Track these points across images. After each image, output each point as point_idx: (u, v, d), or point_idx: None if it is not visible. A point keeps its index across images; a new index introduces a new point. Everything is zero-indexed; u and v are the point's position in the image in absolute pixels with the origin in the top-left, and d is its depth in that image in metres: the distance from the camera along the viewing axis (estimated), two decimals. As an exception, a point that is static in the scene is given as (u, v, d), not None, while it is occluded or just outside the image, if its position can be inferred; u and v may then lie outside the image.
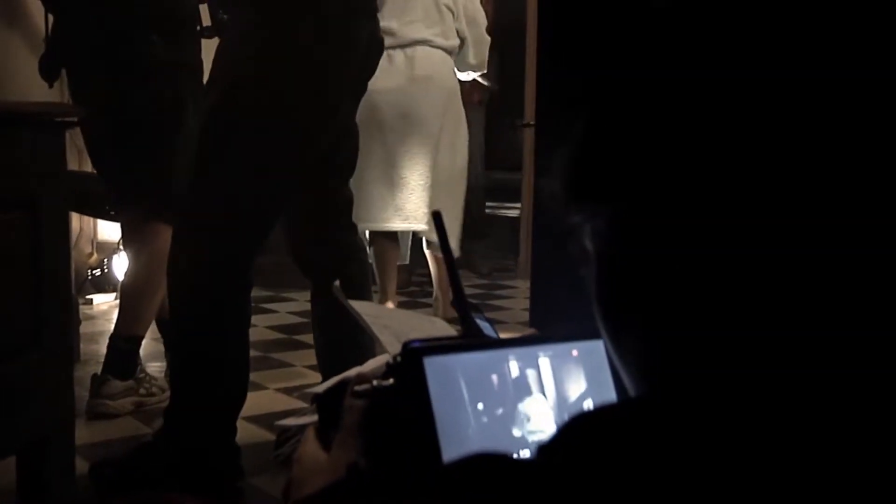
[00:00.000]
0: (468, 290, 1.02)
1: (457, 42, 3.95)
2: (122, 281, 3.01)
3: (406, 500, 0.49)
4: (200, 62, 2.79)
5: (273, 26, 2.04)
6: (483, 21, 4.10)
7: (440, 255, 3.52)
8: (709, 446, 0.45)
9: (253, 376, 2.30)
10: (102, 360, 2.79)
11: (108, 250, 4.50)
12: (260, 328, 3.85)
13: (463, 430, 0.66)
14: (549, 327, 0.81)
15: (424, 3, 3.80)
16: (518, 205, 5.65)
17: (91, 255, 4.58)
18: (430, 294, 4.39)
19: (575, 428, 0.49)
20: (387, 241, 3.97)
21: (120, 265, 4.14)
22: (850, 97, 0.46)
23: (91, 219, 4.38)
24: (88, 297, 4.36)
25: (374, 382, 0.72)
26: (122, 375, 2.73)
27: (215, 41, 2.30)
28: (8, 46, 3.50)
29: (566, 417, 0.49)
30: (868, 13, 0.47)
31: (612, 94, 0.53)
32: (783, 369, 0.47)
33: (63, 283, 1.97)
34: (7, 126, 1.77)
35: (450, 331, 1.09)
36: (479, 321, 0.80)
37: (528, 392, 0.71)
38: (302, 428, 0.93)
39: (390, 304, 3.93)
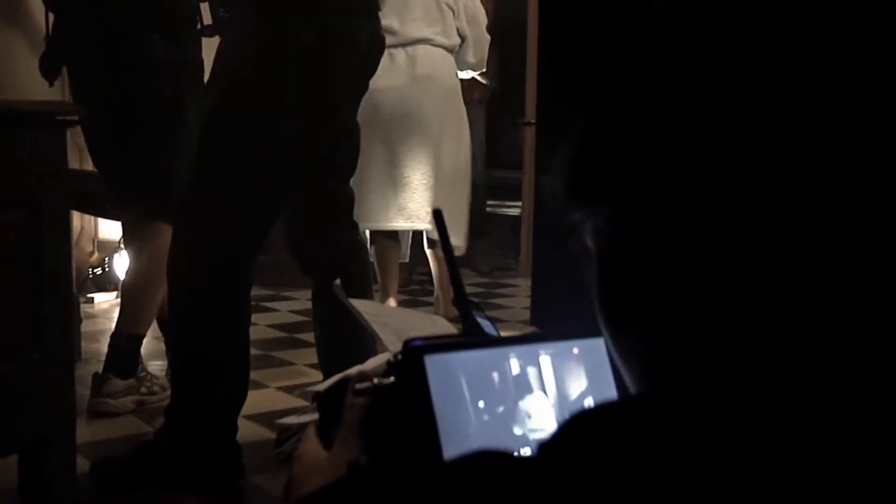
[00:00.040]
0: (469, 289, 1.02)
1: (457, 41, 3.95)
2: (124, 280, 3.01)
3: (407, 498, 0.50)
4: (201, 61, 2.79)
5: (273, 26, 2.05)
6: (483, 20, 4.10)
7: (441, 253, 3.52)
8: (709, 445, 0.45)
9: (254, 375, 2.30)
10: (103, 358, 2.79)
11: (109, 249, 4.50)
12: (261, 327, 3.85)
13: (464, 428, 0.66)
14: (549, 325, 0.81)
15: (425, 1, 3.80)
16: (519, 203, 5.65)
17: (92, 253, 4.58)
18: (431, 293, 4.39)
19: (576, 426, 0.49)
20: (388, 240, 3.98)
21: (121, 264, 4.14)
22: (850, 97, 0.46)
23: (92, 217, 4.38)
24: (90, 295, 4.36)
25: (375, 381, 0.72)
26: (124, 374, 2.74)
27: (216, 40, 2.30)
28: (8, 45, 3.50)
29: (567, 415, 0.49)
30: (868, 13, 0.47)
31: (613, 94, 0.53)
32: (783, 369, 0.47)
33: (64, 283, 1.97)
34: (8, 125, 1.77)
35: (451, 329, 1.09)
36: (479, 319, 0.80)
37: (529, 390, 0.71)
38: (303, 426, 0.93)
39: (392, 303, 3.93)
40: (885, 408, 0.45)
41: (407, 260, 4.34)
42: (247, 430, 2.37)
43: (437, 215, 0.79)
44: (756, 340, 0.47)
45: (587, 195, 0.53)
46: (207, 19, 2.67)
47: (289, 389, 3.00)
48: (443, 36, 3.87)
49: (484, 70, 4.34)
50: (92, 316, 4.04)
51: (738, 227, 0.46)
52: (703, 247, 0.48)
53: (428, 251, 4.11)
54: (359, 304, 1.20)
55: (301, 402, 2.82)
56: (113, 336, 2.81)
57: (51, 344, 1.86)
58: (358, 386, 0.73)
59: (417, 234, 4.15)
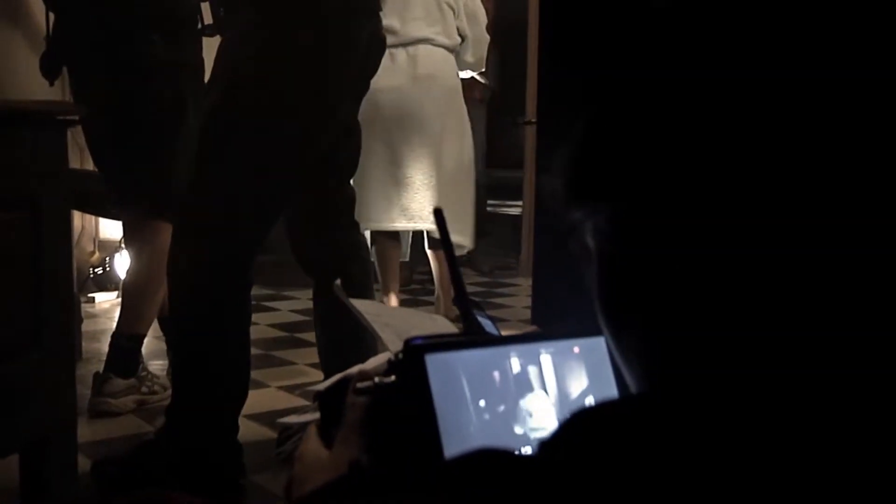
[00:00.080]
0: (470, 288, 1.02)
1: (458, 40, 3.95)
2: (124, 279, 3.01)
3: (408, 497, 0.50)
4: (201, 61, 2.79)
5: (273, 26, 2.05)
6: (483, 19, 4.09)
7: (442, 253, 3.52)
8: (709, 445, 0.45)
9: (254, 374, 2.30)
10: (104, 358, 2.79)
11: (109, 249, 4.51)
12: (261, 326, 3.85)
13: (465, 427, 0.66)
14: (550, 325, 0.81)
15: (425, 1, 3.80)
16: (519, 203, 5.65)
17: (93, 253, 4.58)
18: (431, 292, 4.39)
19: (576, 424, 0.49)
20: (389, 239, 3.97)
21: (122, 263, 4.14)
22: (850, 97, 0.46)
23: (93, 217, 4.38)
24: (90, 295, 4.36)
25: (376, 380, 0.72)
26: (124, 374, 2.74)
27: (216, 40, 2.30)
28: (9, 45, 3.50)
29: (568, 414, 0.50)
30: (868, 13, 0.47)
31: (613, 94, 0.53)
32: (783, 369, 0.47)
33: (64, 282, 1.97)
34: (8, 125, 1.77)
35: (451, 328, 1.09)
36: (480, 318, 0.80)
37: (530, 389, 0.71)
38: (303, 425, 0.94)
39: (393, 302, 3.93)
40: (885, 408, 0.45)
41: (407, 259, 4.34)
42: (248, 430, 2.37)
43: (438, 214, 0.79)
44: (756, 340, 0.47)
45: (587, 195, 0.53)
46: (208, 19, 2.67)
47: (289, 389, 3.00)
48: (443, 35, 3.86)
49: (483, 70, 4.33)
50: (93, 315, 4.04)
51: (738, 227, 0.47)
52: (703, 247, 0.48)
53: (429, 252, 4.11)
54: (359, 304, 1.20)
55: (302, 402, 2.82)
56: (114, 336, 2.81)
57: (51, 344, 1.86)
58: (359, 385, 0.73)
59: (418, 234, 4.15)
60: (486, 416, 0.68)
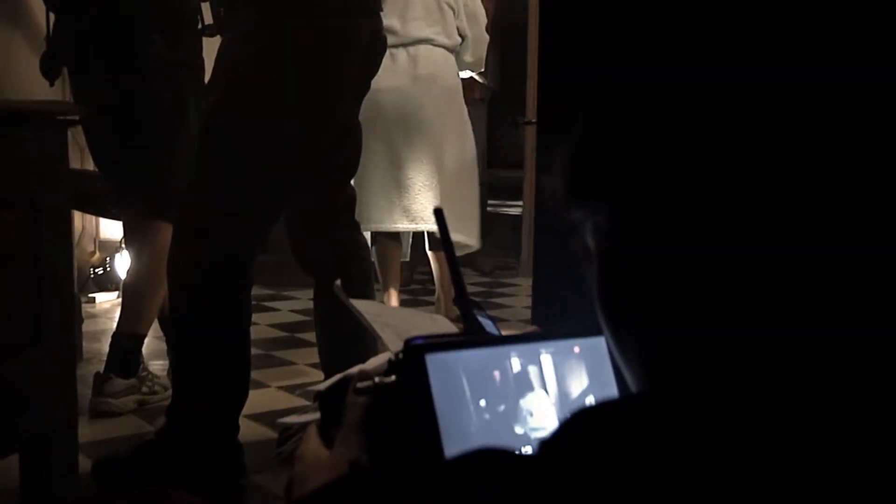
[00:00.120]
0: (470, 289, 1.02)
1: (458, 40, 3.94)
2: (125, 279, 3.01)
3: (408, 497, 0.50)
4: (202, 61, 2.79)
5: (273, 26, 2.05)
6: (483, 19, 4.09)
7: (442, 254, 3.52)
8: (709, 443, 0.45)
9: (255, 374, 2.30)
10: (105, 358, 2.79)
11: (110, 249, 4.51)
12: (262, 326, 3.85)
13: (465, 427, 0.66)
14: (551, 325, 0.81)
15: (425, 1, 3.80)
16: (520, 202, 5.65)
17: (93, 253, 4.58)
18: (432, 292, 4.39)
19: (576, 424, 0.49)
20: (390, 240, 3.97)
21: (122, 263, 4.14)
22: (850, 97, 0.46)
23: (93, 217, 4.38)
24: (91, 295, 4.36)
25: (377, 379, 0.72)
26: (125, 373, 2.74)
27: (217, 40, 2.30)
28: (9, 45, 3.50)
29: (568, 414, 0.50)
30: (868, 13, 0.47)
31: (613, 93, 0.53)
32: (783, 369, 0.47)
33: (65, 282, 1.97)
34: (9, 125, 1.77)
35: (452, 328, 1.09)
36: (480, 318, 0.80)
37: (531, 388, 0.71)
38: (304, 425, 0.94)
39: (393, 302, 3.93)
40: (885, 408, 0.45)
41: (408, 259, 4.34)
42: (248, 430, 2.37)
43: (438, 214, 0.79)
44: (756, 340, 0.47)
45: (587, 194, 0.53)
46: (208, 19, 2.67)
47: (290, 389, 3.00)
48: (444, 35, 3.86)
49: (482, 70, 4.33)
50: (93, 315, 4.05)
51: (737, 227, 0.47)
52: (703, 247, 0.48)
53: (429, 252, 4.11)
54: (360, 304, 1.20)
55: (302, 402, 2.82)
56: (114, 336, 2.81)
57: (52, 343, 1.86)
58: (359, 385, 0.73)
59: (419, 235, 4.15)
60: (487, 416, 0.68)
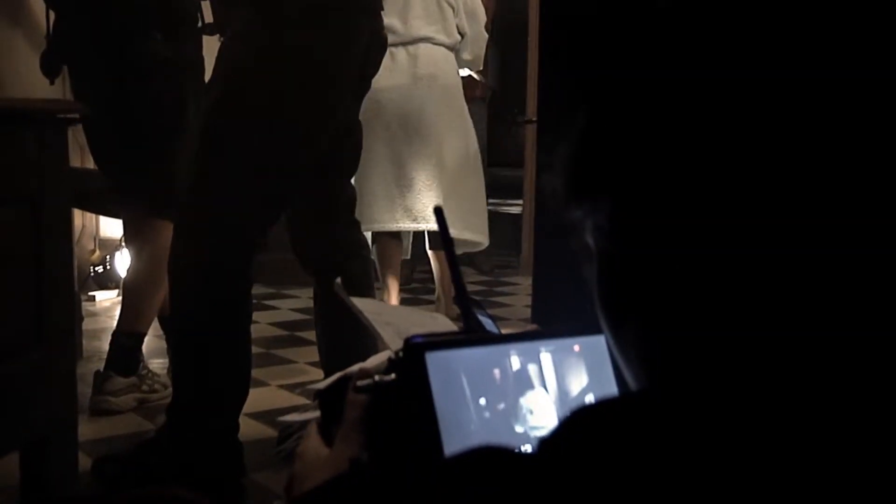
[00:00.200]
0: (470, 287, 1.02)
1: (458, 39, 3.94)
2: (125, 278, 3.01)
3: (408, 495, 0.50)
4: (202, 60, 2.79)
5: (273, 26, 2.05)
6: (482, 17, 4.09)
7: (442, 253, 3.52)
8: (708, 441, 0.45)
9: (255, 373, 2.30)
10: (105, 356, 2.79)
11: (110, 247, 4.51)
12: (262, 325, 3.85)
13: (465, 425, 0.66)
14: (551, 323, 0.82)
15: (425, 0, 3.80)
16: (520, 201, 5.64)
17: (93, 251, 4.58)
18: (432, 291, 4.39)
19: (576, 422, 0.49)
20: (391, 238, 3.97)
21: (122, 262, 4.14)
22: (850, 97, 0.46)
23: (94, 216, 4.38)
24: (91, 293, 4.36)
25: (376, 378, 0.72)
26: (125, 372, 2.74)
27: (217, 39, 2.30)
28: (9, 44, 3.50)
29: (568, 412, 0.50)
30: (868, 13, 0.47)
31: (613, 93, 0.53)
32: (783, 369, 0.47)
33: (65, 281, 1.97)
34: (9, 123, 1.77)
35: (451, 327, 1.09)
36: (480, 317, 0.80)
37: (530, 387, 0.71)
38: (304, 424, 0.94)
39: (394, 301, 3.93)
40: (885, 408, 0.45)
41: (408, 257, 4.33)
42: (248, 428, 2.37)
43: (438, 213, 0.79)
44: (756, 340, 0.47)
45: (587, 193, 0.53)
46: (208, 18, 2.67)
47: (290, 387, 3.00)
48: (443, 34, 3.86)
49: (480, 68, 4.32)
50: (93, 314, 4.04)
51: (737, 227, 0.47)
52: (703, 247, 0.48)
53: (430, 252, 4.10)
54: (360, 303, 1.20)
55: (302, 400, 2.82)
56: (114, 334, 2.81)
57: (52, 342, 1.86)
58: (359, 383, 0.73)
59: (419, 233, 4.14)
60: (487, 414, 0.68)
